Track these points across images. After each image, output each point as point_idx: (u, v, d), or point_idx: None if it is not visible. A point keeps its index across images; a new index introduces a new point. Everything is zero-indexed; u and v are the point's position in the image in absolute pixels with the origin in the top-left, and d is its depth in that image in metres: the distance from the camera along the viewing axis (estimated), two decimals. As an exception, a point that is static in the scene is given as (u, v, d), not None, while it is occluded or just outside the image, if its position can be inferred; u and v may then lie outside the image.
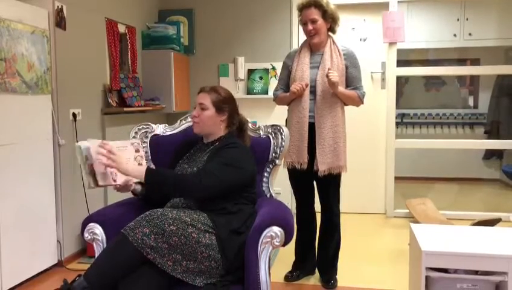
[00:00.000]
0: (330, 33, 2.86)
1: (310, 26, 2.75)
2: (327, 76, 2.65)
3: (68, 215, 3.40)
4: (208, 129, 2.18)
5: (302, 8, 2.78)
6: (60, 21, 3.28)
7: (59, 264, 3.33)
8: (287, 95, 2.86)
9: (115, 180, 2.03)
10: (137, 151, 2.16)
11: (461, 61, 6.55)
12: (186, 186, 1.91)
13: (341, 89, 2.74)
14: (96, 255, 1.93)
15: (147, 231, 1.76)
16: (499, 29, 5.95)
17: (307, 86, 2.76)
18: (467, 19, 5.98)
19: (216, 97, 2.16)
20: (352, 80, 2.83)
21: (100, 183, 1.98)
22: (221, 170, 1.97)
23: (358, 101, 2.84)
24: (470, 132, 6.63)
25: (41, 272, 3.19)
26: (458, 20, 6.00)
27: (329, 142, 2.78)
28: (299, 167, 2.81)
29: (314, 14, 2.74)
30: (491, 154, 6.42)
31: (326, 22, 2.78)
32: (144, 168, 1.96)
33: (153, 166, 2.45)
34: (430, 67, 5.85)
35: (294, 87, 2.75)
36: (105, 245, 1.99)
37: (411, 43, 5.60)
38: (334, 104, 2.79)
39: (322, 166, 2.77)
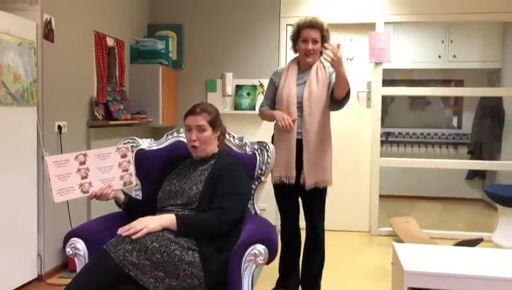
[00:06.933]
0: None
1: (311, 46, 2.81)
2: (324, 53, 2.65)
3: (50, 229, 3.35)
4: (209, 150, 2.20)
5: (307, 26, 2.81)
6: (48, 33, 3.27)
7: (39, 278, 3.27)
8: (272, 114, 2.88)
9: (86, 191, 2.04)
10: (123, 156, 2.14)
11: (446, 82, 6.67)
12: (212, 230, 1.93)
13: (343, 62, 2.67)
14: (78, 271, 1.90)
15: (129, 247, 1.74)
16: (482, 52, 6.10)
17: (294, 121, 2.78)
18: (451, 41, 6.12)
19: (209, 116, 2.17)
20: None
21: (54, 200, 2.00)
22: (235, 201, 2.03)
23: (347, 92, 2.77)
24: (453, 152, 6.73)
25: (20, 287, 3.12)
26: (443, 42, 6.14)
27: (316, 156, 2.81)
28: (287, 181, 2.83)
29: (317, 35, 2.81)
30: (474, 175, 6.50)
31: (321, 45, 2.87)
32: (173, 220, 1.89)
33: (138, 182, 2.44)
34: (415, 87, 5.95)
35: (283, 123, 2.75)
36: (87, 260, 1.97)
37: (397, 63, 5.70)
38: (320, 120, 2.82)
39: (309, 180, 2.80)
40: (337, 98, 2.78)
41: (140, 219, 1.86)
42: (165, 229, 1.86)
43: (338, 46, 2.61)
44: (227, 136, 2.43)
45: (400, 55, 5.97)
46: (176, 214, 1.94)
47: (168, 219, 1.89)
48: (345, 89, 2.73)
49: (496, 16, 4.55)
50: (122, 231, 1.80)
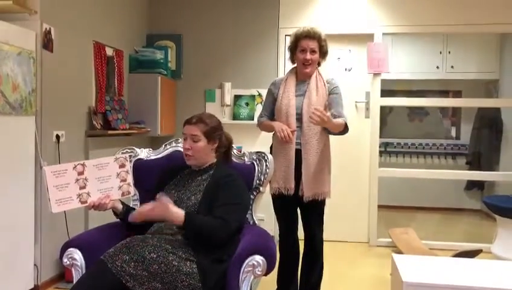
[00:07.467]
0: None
1: (309, 56, 2.81)
2: (311, 117, 2.62)
3: (47, 239, 3.33)
4: (202, 160, 2.20)
5: (305, 36, 2.82)
6: (47, 43, 3.28)
7: (35, 289, 3.24)
8: (271, 125, 2.87)
9: (84, 202, 2.03)
10: (122, 166, 2.14)
11: (444, 93, 6.69)
12: (211, 233, 1.94)
13: (330, 120, 2.69)
14: (74, 281, 1.89)
15: (127, 258, 1.74)
16: (479, 63, 6.13)
17: (293, 132, 2.77)
18: (449, 52, 6.15)
19: (205, 127, 2.17)
20: (333, 104, 2.84)
21: (52, 210, 2.00)
22: (233, 211, 2.03)
23: (344, 127, 2.82)
24: (452, 162, 6.72)
25: (17, 297, 3.10)
26: (441, 53, 6.17)
27: (315, 168, 2.80)
28: (286, 192, 2.81)
29: (315, 45, 2.82)
30: (472, 185, 6.49)
31: (319, 55, 2.87)
32: (182, 216, 1.92)
33: (136, 192, 2.43)
34: (413, 98, 5.97)
35: (282, 134, 2.72)
36: (84, 271, 1.96)
37: (395, 74, 5.72)
38: (319, 132, 2.82)
39: (308, 192, 2.79)
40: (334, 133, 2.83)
41: (158, 205, 1.91)
42: (163, 243, 1.85)
43: (314, 111, 2.59)
44: None
45: (398, 66, 6.00)
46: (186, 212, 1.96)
47: (176, 218, 1.92)
48: (340, 129, 2.78)
49: (493, 27, 4.58)
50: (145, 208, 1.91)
